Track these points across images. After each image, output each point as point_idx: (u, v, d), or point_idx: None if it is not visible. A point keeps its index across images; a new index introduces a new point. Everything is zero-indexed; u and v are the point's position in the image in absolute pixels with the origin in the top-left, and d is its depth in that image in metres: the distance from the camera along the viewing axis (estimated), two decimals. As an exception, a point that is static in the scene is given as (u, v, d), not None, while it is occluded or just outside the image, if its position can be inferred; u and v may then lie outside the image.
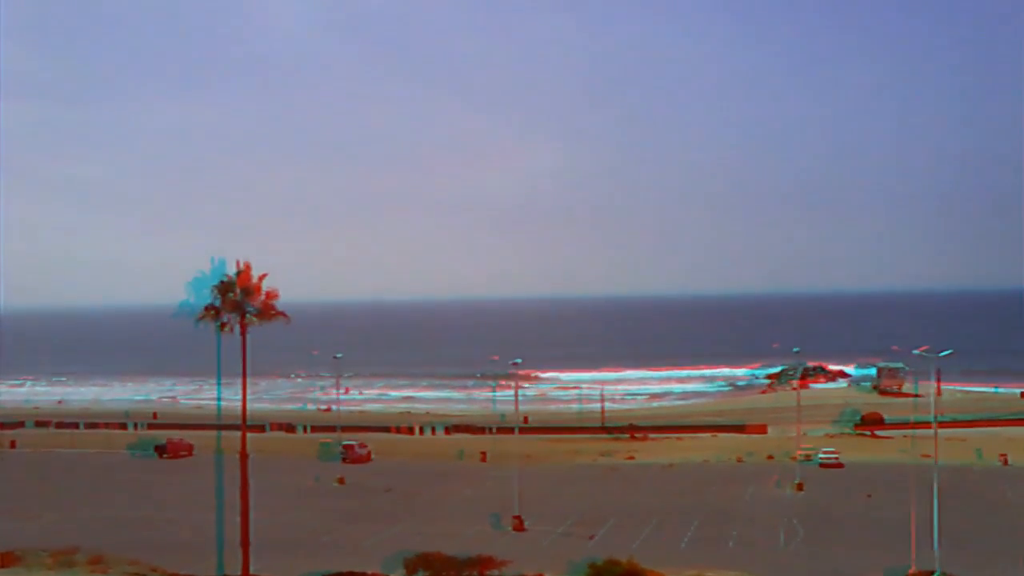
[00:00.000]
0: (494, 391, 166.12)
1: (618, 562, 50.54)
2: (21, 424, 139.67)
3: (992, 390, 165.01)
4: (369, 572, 50.27)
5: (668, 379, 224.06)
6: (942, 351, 65.27)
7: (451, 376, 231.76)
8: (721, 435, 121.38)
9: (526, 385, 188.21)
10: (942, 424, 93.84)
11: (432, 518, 72.73)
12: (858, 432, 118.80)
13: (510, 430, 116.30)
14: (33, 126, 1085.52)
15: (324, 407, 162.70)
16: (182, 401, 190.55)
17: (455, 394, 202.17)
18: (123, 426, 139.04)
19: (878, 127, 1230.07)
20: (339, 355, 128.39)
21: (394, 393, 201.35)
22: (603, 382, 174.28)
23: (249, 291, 49.64)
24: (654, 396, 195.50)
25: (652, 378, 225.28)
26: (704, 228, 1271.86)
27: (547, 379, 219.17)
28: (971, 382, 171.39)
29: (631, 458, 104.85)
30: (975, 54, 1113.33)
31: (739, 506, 75.36)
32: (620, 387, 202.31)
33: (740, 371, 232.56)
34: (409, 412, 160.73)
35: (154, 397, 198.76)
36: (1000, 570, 52.63)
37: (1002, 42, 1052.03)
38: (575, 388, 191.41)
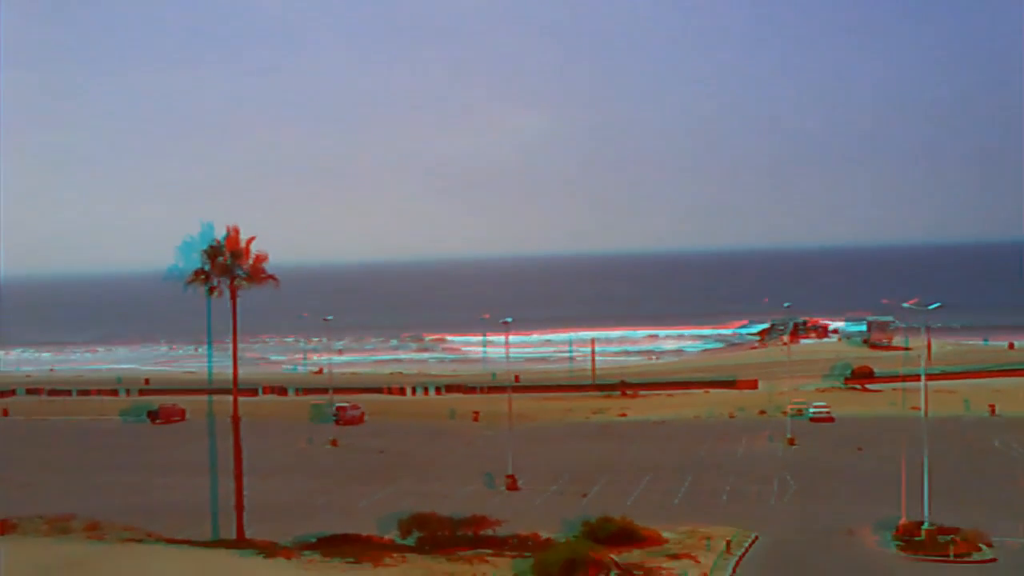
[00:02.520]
0: (484, 350, 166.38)
1: (612, 519, 50.79)
2: (12, 392, 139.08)
3: (981, 342, 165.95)
4: (364, 534, 50.35)
5: (659, 336, 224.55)
6: (932, 304, 65.46)
7: (441, 335, 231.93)
8: (712, 391, 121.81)
9: (517, 343, 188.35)
10: (931, 376, 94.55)
11: (426, 478, 73.00)
12: (849, 386, 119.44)
13: (502, 389, 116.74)
14: (23, 96, 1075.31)
15: (316, 369, 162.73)
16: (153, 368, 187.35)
17: (445, 354, 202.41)
18: (115, 392, 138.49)
19: (866, 78, 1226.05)
20: (329, 317, 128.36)
21: (384, 356, 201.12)
22: (594, 340, 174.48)
23: (238, 255, 49.31)
24: (645, 353, 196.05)
25: (643, 336, 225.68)
26: (692, 183, 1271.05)
27: (537, 337, 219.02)
28: (961, 335, 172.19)
29: (623, 415, 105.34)
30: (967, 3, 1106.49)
31: (731, 461, 75.80)
32: (611, 345, 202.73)
33: (730, 327, 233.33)
34: (401, 373, 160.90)
35: (142, 366, 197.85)
36: (986, 517, 53.09)
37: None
38: (566, 346, 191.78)
